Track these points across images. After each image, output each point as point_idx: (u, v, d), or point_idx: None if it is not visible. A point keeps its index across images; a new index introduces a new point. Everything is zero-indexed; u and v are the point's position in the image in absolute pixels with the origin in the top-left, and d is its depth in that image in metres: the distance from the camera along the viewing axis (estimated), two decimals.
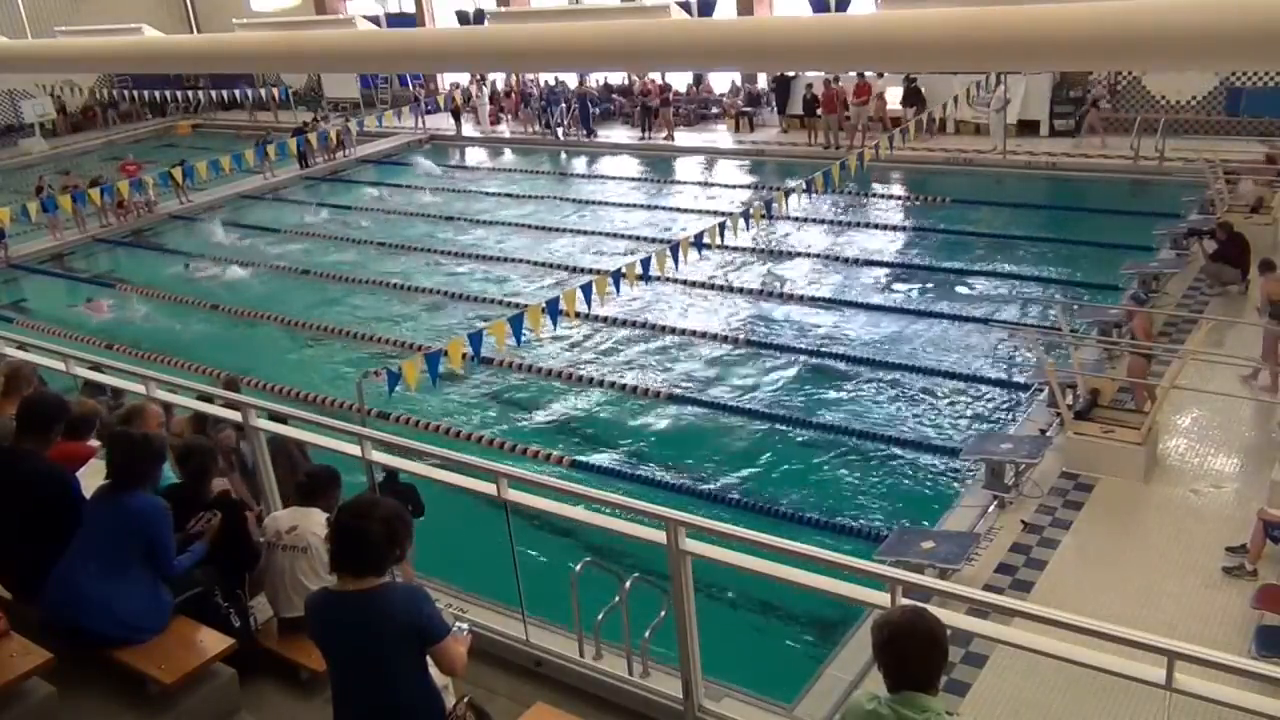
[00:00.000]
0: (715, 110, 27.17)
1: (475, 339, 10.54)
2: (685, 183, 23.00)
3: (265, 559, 5.21)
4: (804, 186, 15.66)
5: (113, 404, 7.42)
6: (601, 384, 12.39)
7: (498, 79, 29.97)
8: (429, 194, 23.09)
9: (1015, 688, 6.43)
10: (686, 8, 16.58)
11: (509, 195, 22.65)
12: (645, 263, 12.35)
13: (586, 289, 11.57)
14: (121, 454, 4.83)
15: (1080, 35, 2.66)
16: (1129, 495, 8.75)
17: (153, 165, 24.10)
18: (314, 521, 5.05)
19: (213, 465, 5.50)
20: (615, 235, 18.82)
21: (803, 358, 12.73)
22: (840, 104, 22.73)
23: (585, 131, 26.85)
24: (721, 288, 15.50)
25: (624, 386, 12.26)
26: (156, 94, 34.03)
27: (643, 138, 26.25)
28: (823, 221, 18.60)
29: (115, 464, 4.82)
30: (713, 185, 22.35)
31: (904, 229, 18.04)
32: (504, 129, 29.04)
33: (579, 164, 25.58)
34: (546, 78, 28.35)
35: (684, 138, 25.76)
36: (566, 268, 17.05)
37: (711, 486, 9.93)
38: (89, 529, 4.79)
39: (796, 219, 18.35)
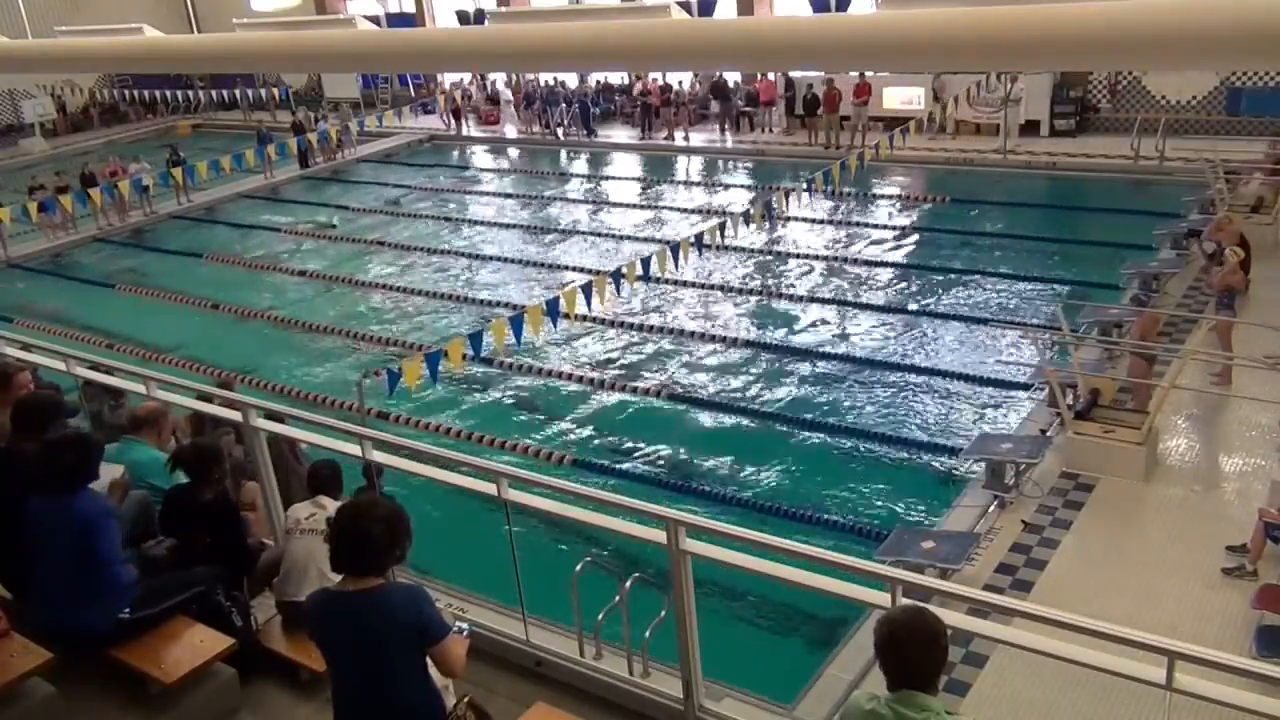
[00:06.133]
0: (714, 110, 27.19)
1: (475, 339, 10.54)
2: (685, 183, 23.01)
3: (284, 546, 5.30)
4: (804, 186, 15.66)
5: (113, 404, 7.42)
6: (602, 384, 12.38)
7: (498, 79, 29.99)
8: (429, 194, 23.10)
9: (1015, 688, 6.43)
10: (686, 8, 16.57)
11: (509, 195, 22.65)
12: (645, 263, 12.34)
13: (586, 289, 11.57)
14: (60, 458, 4.70)
15: (1080, 35, 2.67)
16: (1129, 495, 8.75)
17: (153, 165, 24.04)
18: (330, 509, 5.12)
19: (215, 468, 5.46)
20: (615, 235, 18.82)
21: (803, 358, 12.73)
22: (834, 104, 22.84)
23: (585, 131, 26.86)
24: (721, 288, 15.50)
25: (624, 386, 12.25)
26: (157, 94, 34.04)
27: (643, 138, 26.25)
28: (823, 221, 18.60)
29: (56, 469, 4.67)
30: (713, 185, 22.36)
31: (904, 229, 18.02)
32: (504, 129, 29.06)
33: (579, 164, 25.58)
34: (546, 78, 28.36)
35: (683, 137, 25.76)
36: (566, 268, 17.05)
37: (711, 486, 9.93)
38: (46, 533, 4.69)
39: (796, 219, 18.34)
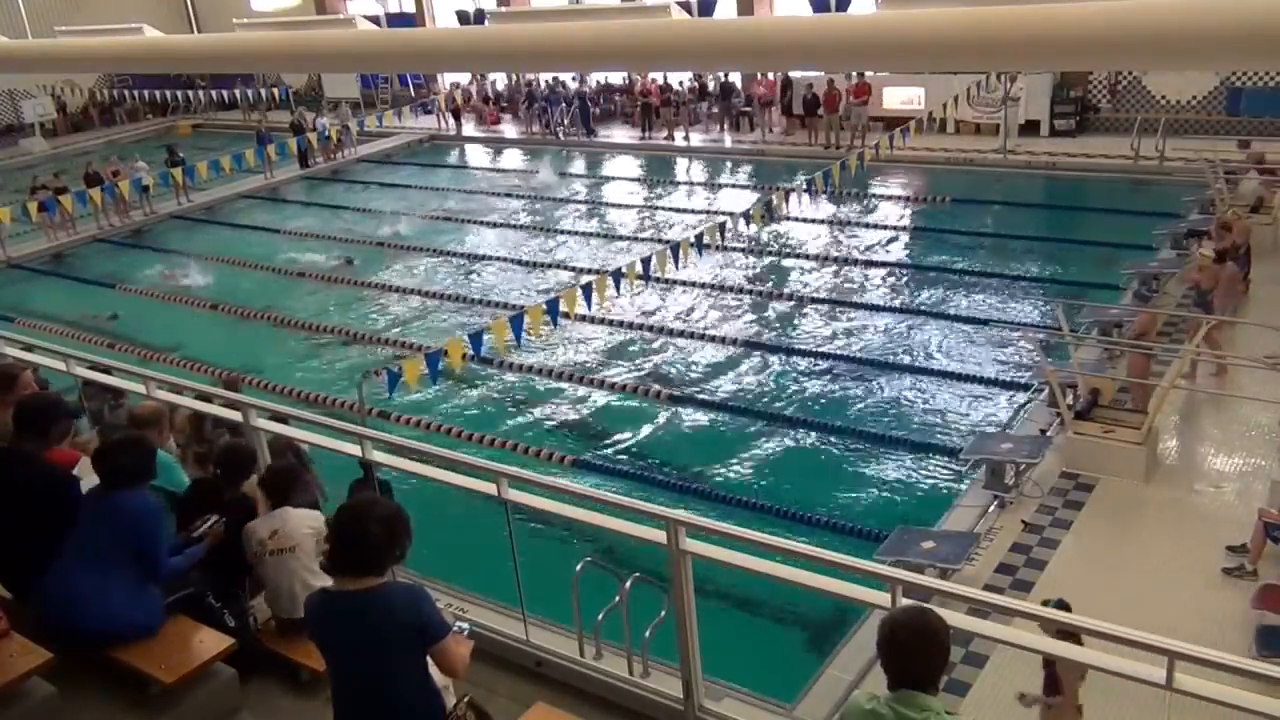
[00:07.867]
0: (705, 110, 27.18)
1: (475, 339, 10.54)
2: (685, 183, 23.00)
3: (257, 570, 5.20)
4: (804, 186, 15.66)
5: (113, 404, 7.42)
6: (602, 384, 12.38)
7: (498, 79, 29.96)
8: (428, 194, 23.10)
9: (1015, 688, 6.41)
10: (686, 8, 16.59)
11: (509, 195, 22.66)
12: (645, 263, 12.35)
13: (586, 289, 11.57)
14: (112, 455, 4.84)
15: (1080, 35, 2.67)
16: (1129, 495, 8.74)
17: (152, 165, 24.06)
18: (293, 521, 5.11)
19: (250, 468, 5.56)
20: (615, 236, 18.83)
21: (803, 358, 12.73)
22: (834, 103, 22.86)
23: (585, 131, 26.86)
24: (721, 288, 15.50)
25: (624, 386, 12.26)
26: (157, 94, 34.03)
27: (643, 138, 26.25)
28: (823, 221, 18.59)
29: (106, 465, 4.83)
30: (713, 185, 22.36)
31: (904, 229, 18.03)
32: (504, 129, 29.07)
33: (579, 164, 25.58)
34: (546, 78, 28.37)
35: (683, 137, 25.76)
36: (567, 268, 17.05)
37: (711, 486, 9.92)
38: (83, 529, 4.78)
39: (797, 219, 18.34)
